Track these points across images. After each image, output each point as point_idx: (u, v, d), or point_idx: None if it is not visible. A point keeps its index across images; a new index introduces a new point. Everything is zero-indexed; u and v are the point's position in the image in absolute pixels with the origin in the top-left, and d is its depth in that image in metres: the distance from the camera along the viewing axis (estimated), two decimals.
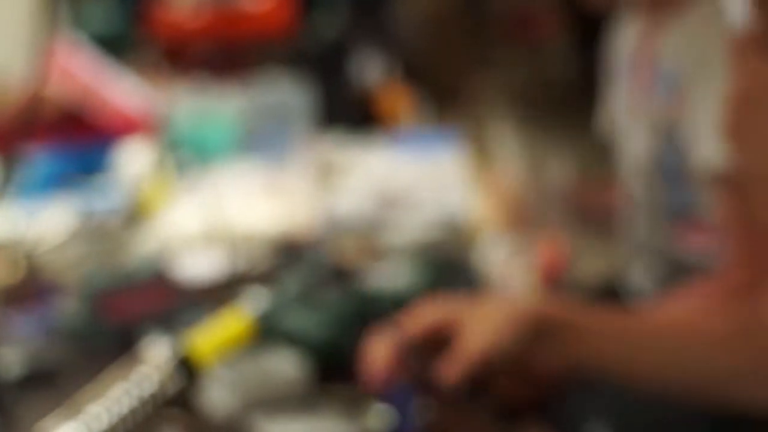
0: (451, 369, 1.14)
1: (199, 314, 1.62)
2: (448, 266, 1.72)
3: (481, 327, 1.16)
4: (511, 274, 2.00)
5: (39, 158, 2.90)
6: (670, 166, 1.40)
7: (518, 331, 1.16)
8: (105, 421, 0.94)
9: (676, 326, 1.18)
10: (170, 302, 1.63)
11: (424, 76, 5.58)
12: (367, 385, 1.16)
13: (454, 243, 1.92)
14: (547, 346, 1.15)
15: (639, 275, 1.45)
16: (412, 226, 1.97)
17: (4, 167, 1.51)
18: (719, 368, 1.15)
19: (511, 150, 5.84)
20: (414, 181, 2.68)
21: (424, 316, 1.16)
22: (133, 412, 0.94)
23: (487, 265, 1.79)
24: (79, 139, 3.09)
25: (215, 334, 0.97)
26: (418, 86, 5.43)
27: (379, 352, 1.15)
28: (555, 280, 1.95)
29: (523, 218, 1.80)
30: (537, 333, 1.16)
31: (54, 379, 1.45)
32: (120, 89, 3.31)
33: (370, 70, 5.54)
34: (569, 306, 1.20)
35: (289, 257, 1.81)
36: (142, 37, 4.94)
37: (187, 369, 0.95)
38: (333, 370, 1.35)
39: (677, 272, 1.42)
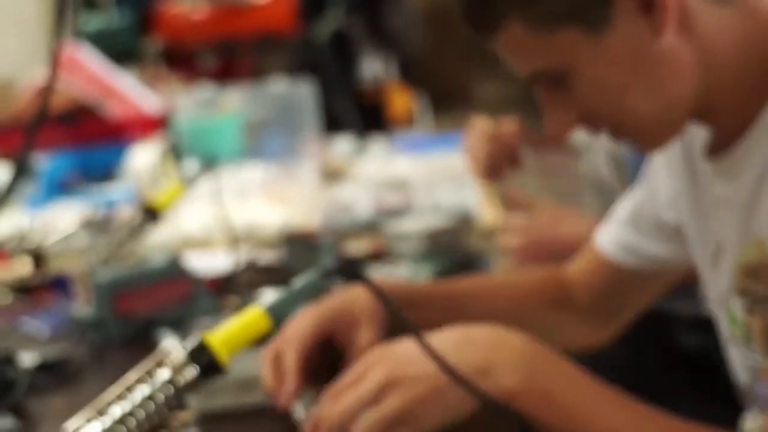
0: None
1: (212, 308, 1.65)
2: (456, 257, 1.73)
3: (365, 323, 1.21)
4: None
5: (51, 157, 2.92)
6: None
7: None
8: (122, 416, 0.95)
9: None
10: (184, 297, 1.65)
11: (423, 77, 5.57)
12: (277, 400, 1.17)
13: (462, 234, 1.93)
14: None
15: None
16: (421, 219, 1.98)
17: (15, 164, 1.52)
18: None
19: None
20: (420, 177, 2.70)
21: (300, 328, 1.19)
22: (148, 407, 0.95)
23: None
24: (90, 137, 3.11)
25: (230, 329, 0.99)
26: (416, 88, 5.44)
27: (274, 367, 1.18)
28: None
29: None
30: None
31: (69, 375, 1.47)
32: (127, 89, 3.32)
33: (372, 69, 5.54)
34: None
35: (297, 251, 1.83)
36: (146, 38, 4.94)
37: (203, 363, 0.96)
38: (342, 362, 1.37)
39: None
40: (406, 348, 1.04)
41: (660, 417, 1.02)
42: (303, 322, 1.20)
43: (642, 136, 1.08)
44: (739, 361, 1.15)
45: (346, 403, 1.02)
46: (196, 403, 1.27)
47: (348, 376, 1.05)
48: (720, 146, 1.10)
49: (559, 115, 1.07)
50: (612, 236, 1.36)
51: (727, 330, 1.15)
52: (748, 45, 1.04)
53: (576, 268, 1.43)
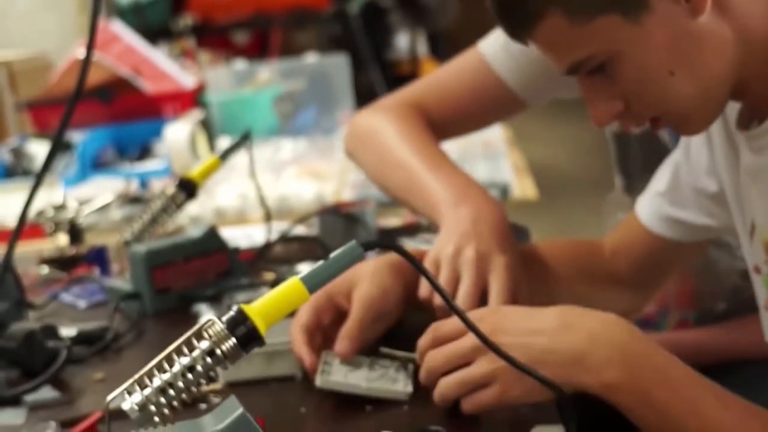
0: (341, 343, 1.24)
1: (248, 282, 1.65)
2: None
3: (361, 288, 1.26)
4: None
5: (87, 133, 2.94)
6: None
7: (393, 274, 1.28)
8: (162, 387, 0.95)
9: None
10: (221, 270, 1.66)
11: (452, 53, 5.54)
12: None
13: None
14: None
15: None
16: None
17: (52, 140, 1.53)
18: None
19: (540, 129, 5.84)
20: (454, 152, 2.69)
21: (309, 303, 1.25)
22: (187, 378, 0.96)
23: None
24: (125, 113, 3.12)
25: (267, 300, 0.99)
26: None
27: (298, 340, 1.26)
28: None
29: None
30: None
31: (106, 347, 1.48)
32: (161, 65, 3.33)
33: (404, 42, 5.53)
34: None
35: (331, 224, 1.83)
36: (179, 14, 4.96)
37: (242, 334, 0.97)
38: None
39: None
40: (508, 317, 1.08)
41: (760, 413, 1.01)
42: (301, 310, 1.27)
43: (685, 120, 1.07)
44: None
45: (441, 357, 1.10)
46: (223, 375, 1.28)
47: (453, 324, 1.10)
48: (751, 118, 1.10)
49: (602, 103, 1.06)
50: (653, 208, 1.36)
51: (763, 297, 1.15)
52: None
53: (617, 238, 1.43)
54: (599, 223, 1.88)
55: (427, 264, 1.28)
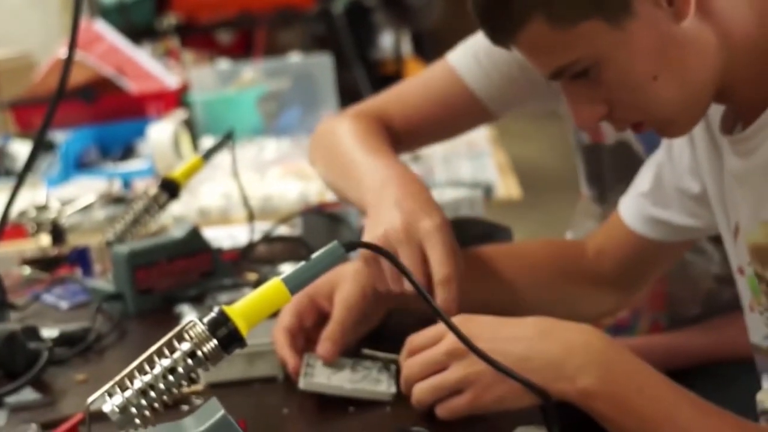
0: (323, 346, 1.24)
1: (231, 282, 1.65)
2: (476, 229, 1.72)
3: (342, 290, 1.27)
4: None
5: (70, 133, 2.92)
6: None
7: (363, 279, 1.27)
8: (143, 389, 0.95)
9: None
10: (203, 270, 1.65)
11: (436, 52, 5.54)
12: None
13: (481, 206, 1.92)
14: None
15: None
16: (439, 192, 1.97)
17: (34, 140, 1.52)
18: None
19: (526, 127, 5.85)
20: (438, 151, 2.69)
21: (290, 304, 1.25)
22: (168, 380, 0.95)
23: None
24: (109, 113, 3.11)
25: (249, 301, 0.99)
26: (430, 62, 5.39)
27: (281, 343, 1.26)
28: None
29: None
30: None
31: (88, 348, 1.47)
32: (145, 65, 3.32)
33: (388, 42, 5.52)
34: None
35: (314, 224, 1.83)
36: (163, 13, 4.93)
37: (224, 335, 0.96)
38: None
39: None
40: (484, 325, 1.08)
41: (736, 421, 1.02)
42: (283, 312, 1.27)
43: (669, 124, 1.08)
44: (758, 327, 1.15)
45: (416, 365, 1.10)
46: (203, 376, 1.27)
47: (428, 334, 1.12)
48: (735, 121, 1.10)
49: (586, 107, 1.07)
50: (636, 209, 1.36)
51: (747, 297, 1.15)
52: (763, 24, 1.04)
53: (600, 239, 1.43)
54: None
55: (363, 259, 1.27)
